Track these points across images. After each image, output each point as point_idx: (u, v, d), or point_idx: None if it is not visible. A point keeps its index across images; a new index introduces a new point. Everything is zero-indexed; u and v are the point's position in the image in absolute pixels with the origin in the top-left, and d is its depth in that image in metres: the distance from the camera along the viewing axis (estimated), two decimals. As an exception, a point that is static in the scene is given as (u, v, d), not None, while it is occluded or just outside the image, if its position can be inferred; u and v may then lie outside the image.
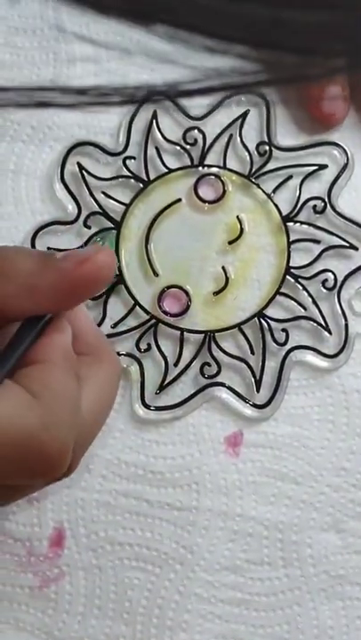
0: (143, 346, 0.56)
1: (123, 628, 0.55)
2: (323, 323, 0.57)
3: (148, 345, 0.57)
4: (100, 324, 0.56)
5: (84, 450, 0.47)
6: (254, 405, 0.56)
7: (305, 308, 0.57)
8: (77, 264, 0.44)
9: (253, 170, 0.58)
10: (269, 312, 0.57)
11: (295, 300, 0.57)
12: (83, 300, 0.46)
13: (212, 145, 0.58)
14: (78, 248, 0.56)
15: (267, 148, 0.58)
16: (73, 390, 0.45)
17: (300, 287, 0.57)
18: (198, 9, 0.28)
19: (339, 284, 0.57)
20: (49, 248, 0.56)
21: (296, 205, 0.58)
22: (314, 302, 0.57)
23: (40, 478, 0.44)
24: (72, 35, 0.57)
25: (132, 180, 0.58)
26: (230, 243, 0.58)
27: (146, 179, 0.58)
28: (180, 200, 0.58)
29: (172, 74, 0.29)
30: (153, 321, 0.57)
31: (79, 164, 0.58)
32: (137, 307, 0.57)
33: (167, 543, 0.56)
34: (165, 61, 0.29)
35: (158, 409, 0.56)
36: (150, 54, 0.29)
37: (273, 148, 0.58)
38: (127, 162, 0.58)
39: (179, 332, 0.57)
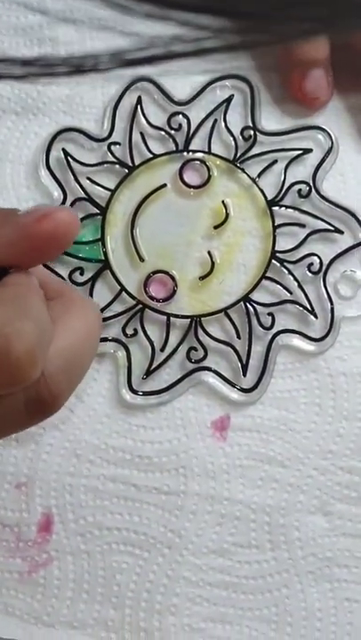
0: (130, 331, 0.57)
1: (111, 612, 0.55)
2: (308, 306, 0.57)
3: (135, 330, 0.57)
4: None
5: (71, 380, 0.45)
6: (241, 389, 0.56)
7: (291, 292, 0.57)
8: (36, 220, 0.43)
9: (238, 154, 0.58)
10: (255, 296, 0.57)
11: (281, 284, 0.57)
12: (44, 258, 0.45)
13: (196, 130, 0.58)
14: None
15: (251, 132, 0.58)
16: (39, 303, 0.43)
17: (286, 271, 0.57)
18: None
19: (324, 268, 0.57)
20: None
21: (281, 190, 0.58)
22: (300, 286, 0.57)
23: (6, 383, 0.41)
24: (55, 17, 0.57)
25: (117, 166, 0.58)
26: (216, 227, 0.58)
27: (131, 164, 0.58)
28: (165, 185, 0.58)
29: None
30: (139, 306, 0.57)
31: (64, 150, 0.58)
32: (123, 292, 0.57)
33: (155, 527, 0.56)
34: (106, 29, 0.28)
35: (145, 394, 0.56)
36: (92, 22, 0.29)
37: (258, 133, 0.58)
38: (112, 147, 0.58)
39: (165, 317, 0.57)
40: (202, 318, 0.57)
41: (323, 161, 0.58)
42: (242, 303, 0.57)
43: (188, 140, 0.58)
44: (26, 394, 0.42)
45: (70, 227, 0.44)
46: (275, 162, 0.58)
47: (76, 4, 0.28)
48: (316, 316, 0.57)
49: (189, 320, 0.57)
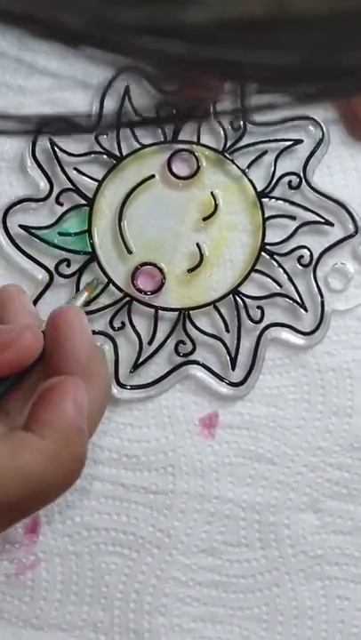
0: (117, 324, 0.55)
1: (100, 613, 0.54)
2: (298, 300, 0.56)
3: (122, 323, 0.55)
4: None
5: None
6: (230, 383, 0.55)
7: (280, 285, 0.56)
8: None
9: (228, 145, 0.57)
10: (244, 289, 0.56)
11: (270, 277, 0.56)
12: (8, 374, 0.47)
13: (185, 120, 0.57)
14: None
15: (241, 122, 0.57)
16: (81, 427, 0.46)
17: (276, 264, 0.56)
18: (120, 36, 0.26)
19: (314, 261, 0.57)
20: (21, 225, 0.55)
21: (271, 181, 0.57)
22: (289, 279, 0.56)
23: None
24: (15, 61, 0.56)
25: (105, 157, 0.56)
26: (205, 219, 0.56)
27: (118, 155, 0.56)
28: (153, 176, 0.57)
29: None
30: (127, 299, 0.55)
31: (51, 140, 0.56)
32: (110, 284, 0.55)
33: (143, 527, 0.55)
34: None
35: (133, 388, 0.55)
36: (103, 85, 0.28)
37: (247, 123, 0.57)
38: (99, 138, 0.56)
39: (153, 310, 0.55)
40: (190, 311, 0.56)
41: (313, 152, 0.57)
42: (231, 296, 0.56)
43: (176, 130, 0.57)
44: None
45: (32, 352, 0.46)
46: (265, 153, 0.57)
47: (84, 68, 0.27)
48: (306, 310, 0.56)
49: (178, 313, 0.56)
